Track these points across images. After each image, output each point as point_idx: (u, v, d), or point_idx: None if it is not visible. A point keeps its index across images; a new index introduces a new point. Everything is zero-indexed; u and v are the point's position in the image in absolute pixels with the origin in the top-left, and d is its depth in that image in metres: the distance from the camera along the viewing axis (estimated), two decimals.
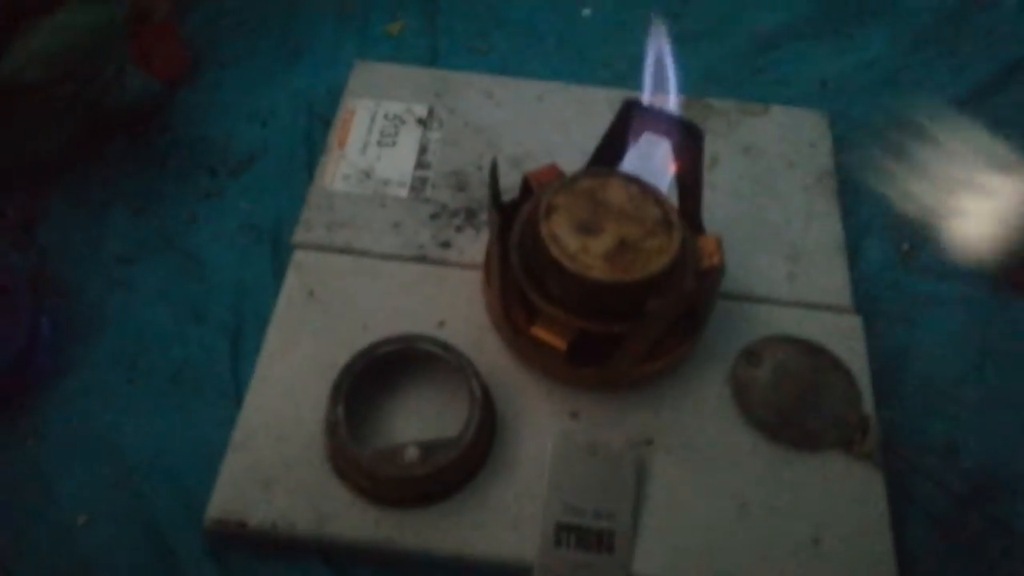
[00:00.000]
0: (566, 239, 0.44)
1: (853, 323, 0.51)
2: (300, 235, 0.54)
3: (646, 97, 0.47)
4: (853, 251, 0.56)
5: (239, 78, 0.66)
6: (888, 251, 0.58)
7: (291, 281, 0.52)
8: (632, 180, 0.46)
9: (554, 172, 0.49)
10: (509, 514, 0.45)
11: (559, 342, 0.46)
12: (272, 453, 0.46)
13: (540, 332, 0.46)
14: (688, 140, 0.45)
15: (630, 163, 0.48)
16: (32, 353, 0.50)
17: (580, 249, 0.44)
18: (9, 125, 0.52)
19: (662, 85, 0.46)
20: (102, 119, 0.59)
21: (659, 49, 0.46)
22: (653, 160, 0.47)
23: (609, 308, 0.45)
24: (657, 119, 0.46)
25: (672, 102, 0.46)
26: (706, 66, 0.67)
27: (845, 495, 0.46)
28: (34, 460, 0.48)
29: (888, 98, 0.66)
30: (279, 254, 0.56)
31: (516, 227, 0.48)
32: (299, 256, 0.53)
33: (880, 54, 0.68)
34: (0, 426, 0.49)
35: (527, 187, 0.50)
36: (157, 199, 0.59)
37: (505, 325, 0.48)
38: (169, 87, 0.64)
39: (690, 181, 0.47)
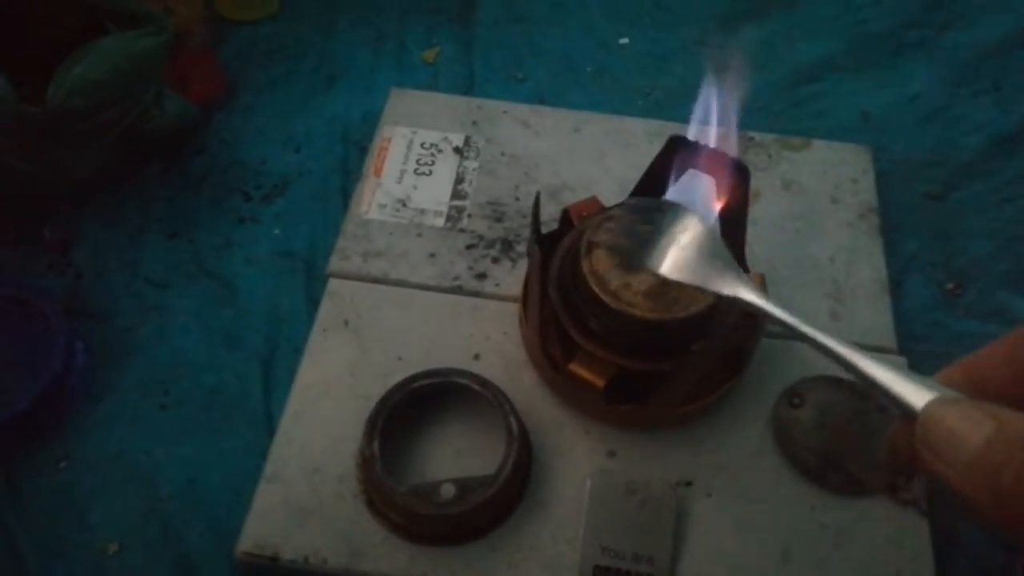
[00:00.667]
0: (607, 275, 0.43)
1: (898, 365, 0.50)
2: (335, 264, 0.54)
3: (692, 131, 0.46)
4: (896, 289, 0.55)
5: (274, 103, 0.67)
6: (932, 290, 0.57)
7: (326, 310, 0.52)
8: None
9: (595, 205, 0.49)
10: (544, 555, 0.44)
11: (597, 379, 0.45)
12: (305, 486, 0.45)
13: (578, 369, 0.45)
14: (735, 178, 0.44)
15: (673, 199, 0.47)
16: (67, 377, 0.50)
17: (621, 286, 0.43)
18: (51, 150, 0.52)
19: (710, 119, 0.45)
20: (139, 142, 0.59)
21: (712, 84, 0.45)
22: (696, 196, 0.47)
23: (650, 346, 0.44)
24: (703, 155, 0.45)
25: (718, 137, 0.46)
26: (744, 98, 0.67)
27: (890, 542, 0.45)
28: (67, 485, 0.48)
29: (932, 133, 0.65)
30: (312, 281, 0.56)
31: (555, 261, 0.47)
32: (334, 285, 0.53)
33: (923, 88, 0.67)
34: (34, 450, 0.49)
35: (567, 220, 0.49)
36: (191, 223, 0.59)
37: (542, 360, 0.48)
38: (205, 111, 0.64)
39: (735, 219, 0.46)
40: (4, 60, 0.50)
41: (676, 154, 0.46)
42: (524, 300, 0.50)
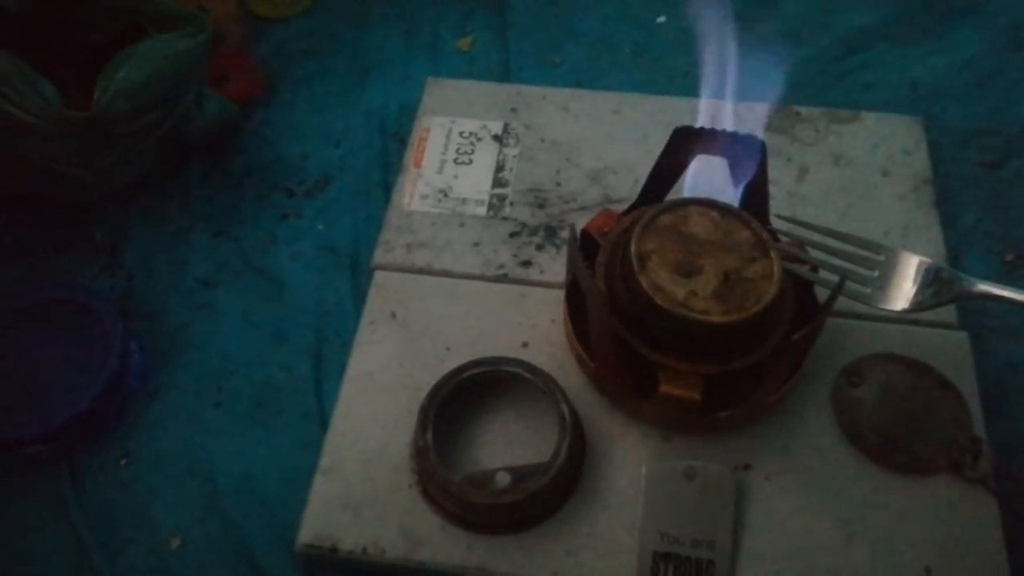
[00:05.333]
0: (670, 287, 0.41)
1: (959, 339, 0.49)
2: (380, 256, 0.54)
3: (702, 106, 0.44)
4: (954, 262, 0.54)
5: (312, 98, 0.67)
6: (991, 262, 0.55)
7: (373, 303, 0.52)
8: (709, 205, 0.44)
9: (611, 218, 0.46)
10: (602, 542, 0.43)
11: (693, 394, 0.42)
12: (360, 478, 0.46)
13: (670, 389, 0.42)
14: (748, 153, 0.43)
15: (689, 188, 0.46)
16: (123, 377, 0.50)
17: (688, 295, 0.41)
18: (98, 154, 0.53)
19: (721, 92, 0.44)
20: (181, 143, 0.60)
21: (720, 54, 0.44)
22: (712, 180, 0.45)
23: (730, 347, 0.42)
24: (710, 139, 0.44)
25: (731, 111, 0.44)
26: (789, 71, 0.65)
27: (957, 522, 0.43)
28: (127, 483, 0.49)
29: (985, 101, 0.63)
30: (357, 274, 0.57)
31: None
32: (380, 277, 0.53)
33: (974, 55, 0.65)
34: (95, 449, 0.50)
35: (589, 240, 0.47)
36: (236, 221, 0.60)
37: (617, 393, 0.46)
38: (243, 110, 0.65)
39: (757, 192, 0.44)
40: (49, 66, 0.51)
41: (683, 145, 0.44)
42: (568, 292, 0.48)
